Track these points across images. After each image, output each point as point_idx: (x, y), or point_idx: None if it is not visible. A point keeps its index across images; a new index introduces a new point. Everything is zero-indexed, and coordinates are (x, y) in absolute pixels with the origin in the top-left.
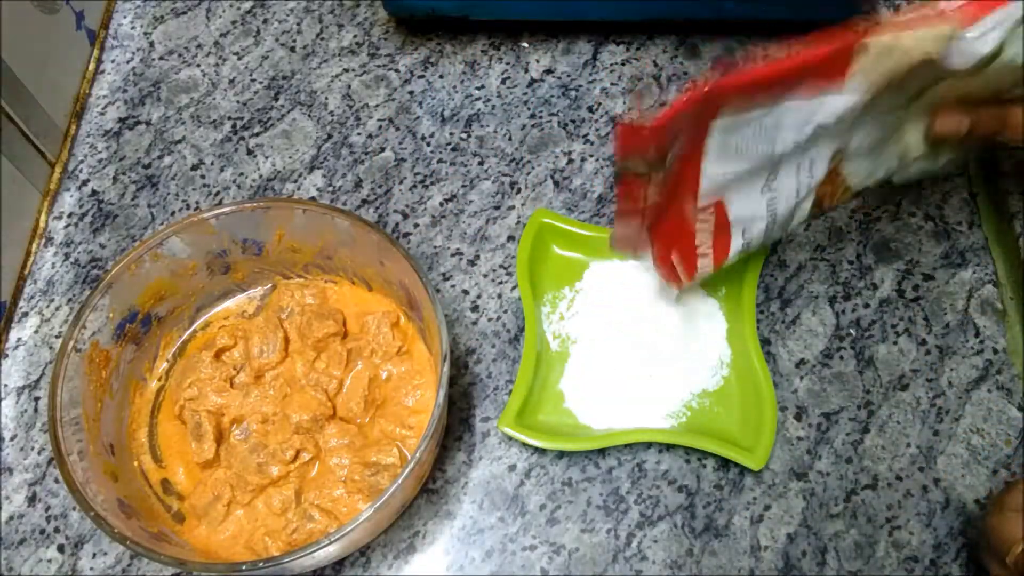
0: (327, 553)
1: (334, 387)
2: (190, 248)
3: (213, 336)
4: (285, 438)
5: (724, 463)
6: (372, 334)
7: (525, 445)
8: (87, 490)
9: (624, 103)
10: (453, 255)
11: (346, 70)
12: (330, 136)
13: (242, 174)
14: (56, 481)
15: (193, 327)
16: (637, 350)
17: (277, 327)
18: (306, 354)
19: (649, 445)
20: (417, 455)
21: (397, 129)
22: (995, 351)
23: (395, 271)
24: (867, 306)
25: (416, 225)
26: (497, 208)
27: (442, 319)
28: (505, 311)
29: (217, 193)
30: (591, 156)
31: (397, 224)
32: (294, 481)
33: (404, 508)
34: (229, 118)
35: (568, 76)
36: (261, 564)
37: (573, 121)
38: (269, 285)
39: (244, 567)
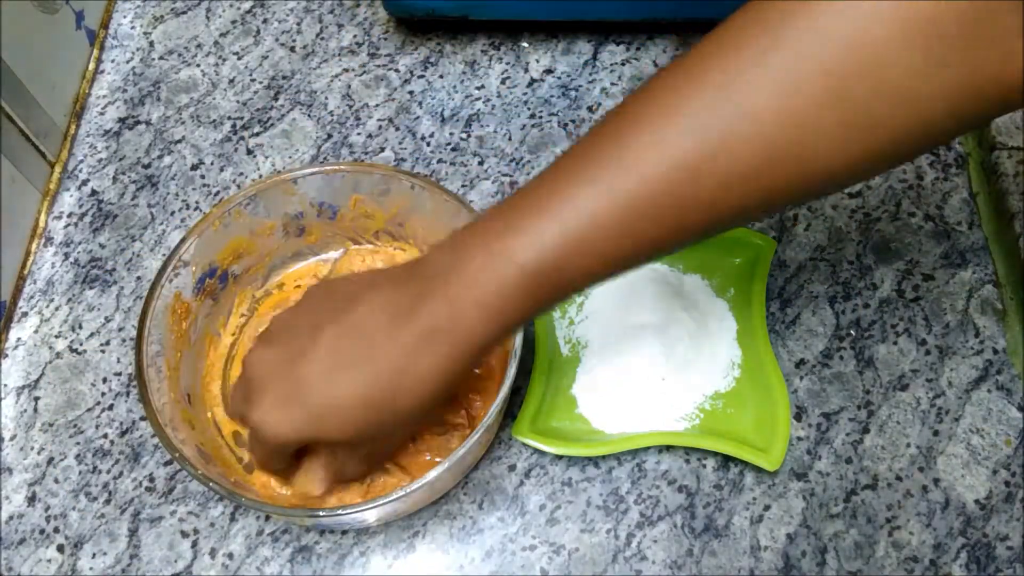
0: (394, 508)
1: None
2: (270, 208)
3: (287, 296)
4: None
5: (724, 463)
6: None
7: (525, 445)
8: (170, 433)
9: None
10: None
11: (346, 70)
12: (330, 136)
13: (242, 174)
14: (56, 481)
15: (266, 286)
16: (648, 353)
17: None
18: None
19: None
20: (488, 420)
21: (397, 129)
22: (995, 351)
23: None
24: (867, 306)
25: None
26: None
27: None
28: None
29: (217, 193)
30: None
31: None
32: None
33: (469, 470)
34: (229, 118)
35: (568, 76)
36: (340, 511)
37: (573, 121)
38: (341, 250)
39: (322, 513)
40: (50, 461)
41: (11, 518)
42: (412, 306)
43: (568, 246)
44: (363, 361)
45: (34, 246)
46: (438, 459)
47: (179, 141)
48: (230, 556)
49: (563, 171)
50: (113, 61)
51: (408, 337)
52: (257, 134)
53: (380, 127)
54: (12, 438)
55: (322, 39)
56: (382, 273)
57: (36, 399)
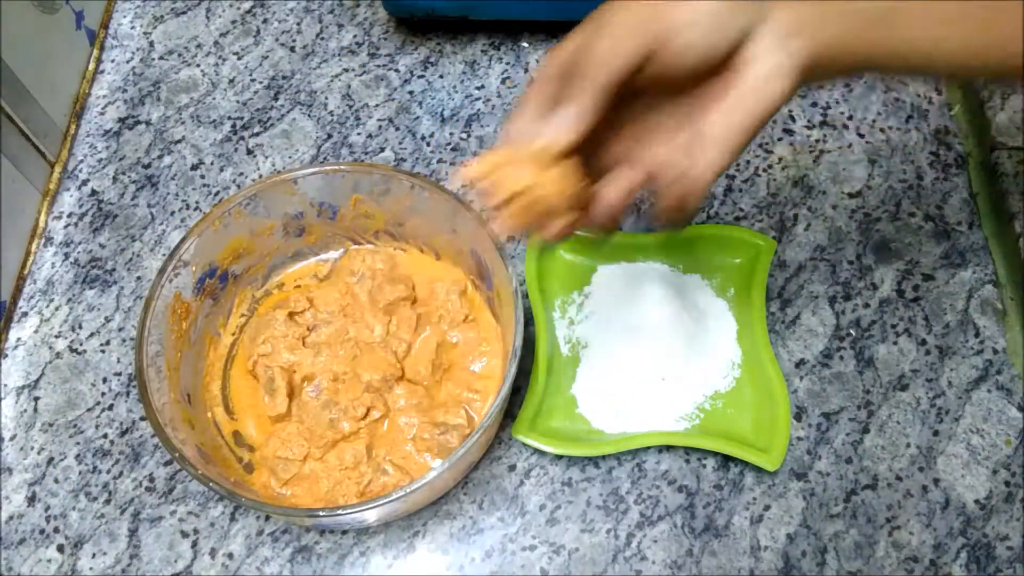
0: (394, 508)
1: (403, 350)
2: (270, 208)
3: (287, 296)
4: (356, 396)
5: (724, 463)
6: (441, 300)
7: (525, 445)
8: (170, 433)
9: None
10: None
11: (346, 70)
12: (330, 136)
13: (242, 174)
14: (56, 481)
15: (266, 286)
16: (648, 353)
17: (347, 291)
18: (377, 317)
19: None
20: (487, 420)
21: (397, 129)
22: (995, 351)
23: (467, 239)
24: (867, 306)
25: None
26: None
27: (519, 300)
28: None
29: (217, 193)
30: None
31: None
32: (364, 437)
33: (469, 470)
34: (229, 118)
35: None
36: (339, 511)
37: None
38: (340, 250)
39: (322, 513)
40: (50, 461)
41: (11, 518)
42: None
43: None
44: None
45: (34, 246)
46: (438, 459)
47: (179, 141)
48: (230, 556)
49: None
50: (113, 61)
51: None
52: (257, 134)
53: (380, 127)
54: (12, 438)
55: (322, 39)
56: None
57: (36, 399)
